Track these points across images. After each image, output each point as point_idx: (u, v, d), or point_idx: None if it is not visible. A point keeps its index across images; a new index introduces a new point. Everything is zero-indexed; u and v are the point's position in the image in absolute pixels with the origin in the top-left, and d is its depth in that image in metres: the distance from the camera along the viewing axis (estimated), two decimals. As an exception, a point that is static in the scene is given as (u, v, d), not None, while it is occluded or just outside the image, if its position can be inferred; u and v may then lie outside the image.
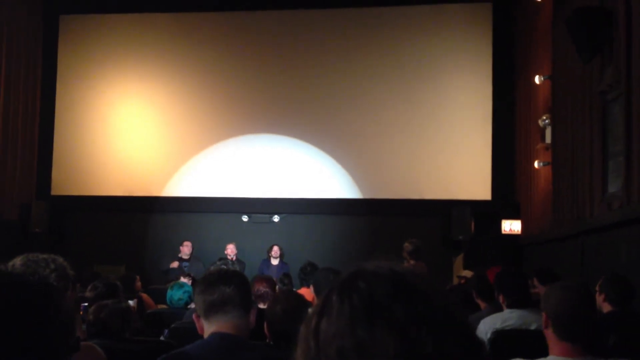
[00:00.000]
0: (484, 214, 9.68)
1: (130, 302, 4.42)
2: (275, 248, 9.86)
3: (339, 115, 10.56)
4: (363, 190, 10.46)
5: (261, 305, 4.02)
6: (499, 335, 3.70)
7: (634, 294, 4.06)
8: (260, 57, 10.79)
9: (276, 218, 10.64)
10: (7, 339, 1.05)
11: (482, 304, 4.72)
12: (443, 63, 10.42)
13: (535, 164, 8.57)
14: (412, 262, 7.21)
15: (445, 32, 10.47)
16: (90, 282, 4.78)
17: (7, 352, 1.04)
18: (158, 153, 10.90)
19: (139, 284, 6.85)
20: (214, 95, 10.86)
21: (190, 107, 10.89)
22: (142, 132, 10.97)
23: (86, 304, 4.10)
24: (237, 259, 9.50)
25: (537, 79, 8.40)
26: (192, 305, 4.02)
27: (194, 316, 2.39)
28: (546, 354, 2.45)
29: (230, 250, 9.73)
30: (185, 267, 9.60)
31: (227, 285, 2.30)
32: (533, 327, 3.83)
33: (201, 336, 2.33)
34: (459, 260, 9.80)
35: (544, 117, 8.24)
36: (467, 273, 7.71)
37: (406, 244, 7.43)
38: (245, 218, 10.67)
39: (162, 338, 4.07)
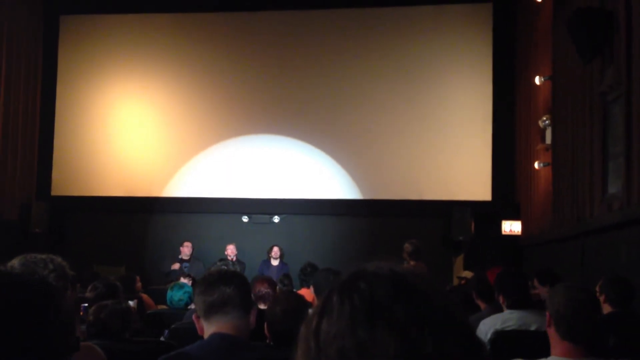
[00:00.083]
0: (484, 215, 9.68)
1: (130, 303, 4.42)
2: (275, 249, 9.86)
3: (339, 115, 10.56)
4: (363, 191, 10.46)
5: (262, 306, 4.01)
6: (499, 335, 3.70)
7: (634, 294, 4.06)
8: (260, 58, 10.79)
9: (276, 219, 10.64)
10: (7, 338, 1.05)
11: (482, 305, 4.72)
12: (443, 64, 10.42)
13: (536, 165, 8.58)
14: (412, 262, 7.21)
15: (446, 33, 10.48)
16: (90, 282, 4.78)
17: (8, 352, 1.04)
18: (158, 153, 10.90)
19: (139, 284, 6.85)
20: (214, 95, 10.86)
21: (190, 108, 10.89)
22: (142, 133, 10.97)
23: (86, 304, 4.10)
24: (237, 260, 9.50)
25: (537, 80, 8.40)
26: (193, 306, 4.02)
27: (193, 317, 2.39)
28: (546, 355, 2.45)
29: (231, 250, 9.73)
30: (185, 267, 9.60)
31: (227, 285, 2.30)
32: (533, 328, 3.82)
33: (201, 337, 2.33)
34: (459, 260, 9.80)
35: (544, 118, 8.25)
36: (467, 274, 7.71)
37: (406, 245, 7.43)
38: (245, 219, 10.67)
39: (162, 339, 4.07)
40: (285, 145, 10.60)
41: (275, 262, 9.80)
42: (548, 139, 8.21)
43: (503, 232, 9.49)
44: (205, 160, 10.78)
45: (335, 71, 10.63)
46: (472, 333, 0.85)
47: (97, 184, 10.90)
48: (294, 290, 6.06)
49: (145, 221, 10.72)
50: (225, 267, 4.79)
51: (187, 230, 10.49)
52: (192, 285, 5.76)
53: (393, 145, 10.38)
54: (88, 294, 4.48)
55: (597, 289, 4.03)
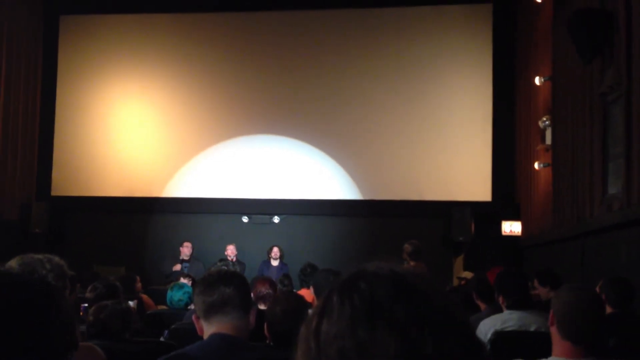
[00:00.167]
0: (484, 215, 9.68)
1: (130, 303, 4.41)
2: (275, 249, 9.85)
3: (339, 116, 10.56)
4: (363, 191, 10.46)
5: (262, 307, 4.02)
6: (499, 336, 3.70)
7: (634, 295, 4.06)
8: (260, 58, 10.79)
9: (276, 219, 10.64)
10: (7, 338, 1.05)
11: (482, 305, 4.72)
12: (443, 64, 10.42)
13: (536, 165, 8.58)
14: (412, 263, 7.21)
15: (446, 33, 10.48)
16: (90, 282, 4.78)
17: (8, 351, 1.04)
18: (158, 154, 10.90)
19: (139, 284, 6.85)
20: (214, 95, 10.86)
21: (190, 108, 10.89)
22: (142, 133, 10.97)
23: (86, 304, 4.10)
24: (237, 260, 9.50)
25: (537, 80, 8.41)
26: (192, 306, 4.02)
27: (193, 317, 2.39)
28: (546, 355, 2.45)
29: (231, 251, 9.73)
30: (185, 268, 9.60)
31: (226, 286, 2.30)
32: (533, 329, 3.82)
33: (201, 337, 2.33)
34: (459, 261, 9.80)
35: (544, 119, 8.25)
36: (467, 274, 7.72)
37: (406, 245, 7.43)
38: (245, 219, 10.67)
39: (162, 339, 4.07)
40: (285, 146, 10.60)
41: (275, 263, 9.80)
42: (548, 140, 8.21)
43: (503, 233, 9.49)
44: (205, 161, 10.78)
45: (335, 71, 10.63)
46: (472, 333, 0.85)
47: (97, 184, 10.90)
48: (294, 290, 6.07)
49: (145, 221, 10.72)
50: (225, 268, 4.80)
51: (187, 231, 10.49)
52: (192, 285, 5.75)
53: (393, 146, 10.38)
54: (88, 295, 4.48)
55: (597, 289, 4.03)
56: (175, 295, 5.35)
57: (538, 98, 8.69)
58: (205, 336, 2.30)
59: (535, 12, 8.88)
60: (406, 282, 0.85)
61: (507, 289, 4.00)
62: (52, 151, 11.09)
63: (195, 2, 10.92)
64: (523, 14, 9.80)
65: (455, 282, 8.60)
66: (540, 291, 5.38)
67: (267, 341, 2.93)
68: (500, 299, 4.03)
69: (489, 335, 3.75)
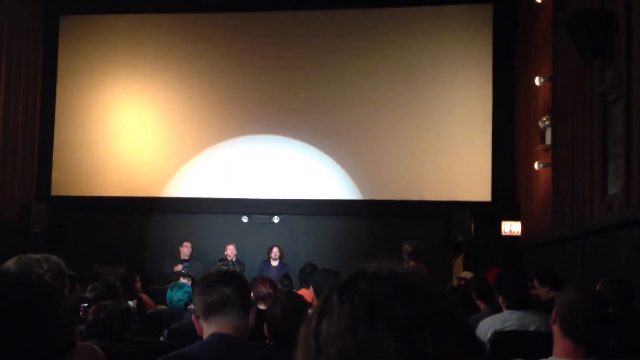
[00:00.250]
0: (484, 215, 9.68)
1: (130, 303, 4.41)
2: (275, 249, 9.85)
3: (339, 116, 10.56)
4: (363, 192, 10.46)
5: (262, 307, 4.02)
6: (499, 336, 3.70)
7: (634, 295, 4.06)
8: (260, 58, 10.79)
9: (276, 219, 10.64)
10: (6, 338, 1.05)
11: (482, 305, 4.72)
12: (443, 64, 10.42)
13: (535, 166, 8.58)
14: (411, 263, 7.21)
15: (446, 34, 10.48)
16: (90, 282, 4.78)
17: (7, 351, 1.04)
18: (158, 154, 10.90)
19: (138, 284, 6.85)
20: (214, 96, 10.86)
21: (190, 108, 10.89)
22: (142, 133, 10.97)
23: (86, 304, 4.10)
24: (237, 260, 9.51)
25: (537, 81, 8.41)
26: (192, 306, 4.02)
27: (193, 317, 2.38)
28: (546, 355, 2.46)
29: (230, 251, 9.73)
30: (184, 267, 9.60)
31: (226, 286, 2.30)
32: (532, 329, 3.82)
33: (201, 337, 2.33)
34: (458, 261, 9.80)
35: (544, 119, 8.25)
36: (467, 274, 7.71)
37: (406, 246, 7.43)
38: (245, 219, 10.67)
39: (161, 339, 4.07)
40: (285, 146, 10.60)
41: (274, 263, 9.80)
42: (548, 140, 8.21)
43: (503, 233, 9.49)
44: (205, 161, 10.78)
45: (335, 72, 10.63)
46: (472, 333, 0.85)
47: (97, 184, 10.90)
48: (294, 290, 6.07)
49: (145, 221, 10.72)
50: (225, 268, 4.80)
51: (187, 231, 10.49)
52: (192, 285, 5.75)
53: (393, 146, 10.38)
54: (88, 294, 4.48)
55: (597, 289, 4.03)
56: (175, 295, 5.35)
57: (538, 98, 8.69)
58: (205, 336, 2.30)
59: (535, 13, 8.88)
60: (406, 282, 0.85)
61: (507, 289, 4.00)
62: (52, 151, 11.09)
63: (195, 2, 10.92)
64: (523, 14, 9.80)
65: (455, 282, 8.59)
66: (540, 291, 5.37)
67: (267, 341, 2.93)
68: (500, 299, 4.03)
69: (488, 335, 3.75)
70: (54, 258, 2.30)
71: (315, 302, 1.38)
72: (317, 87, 10.66)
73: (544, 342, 2.66)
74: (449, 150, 10.26)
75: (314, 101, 10.63)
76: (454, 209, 9.71)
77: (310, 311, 0.91)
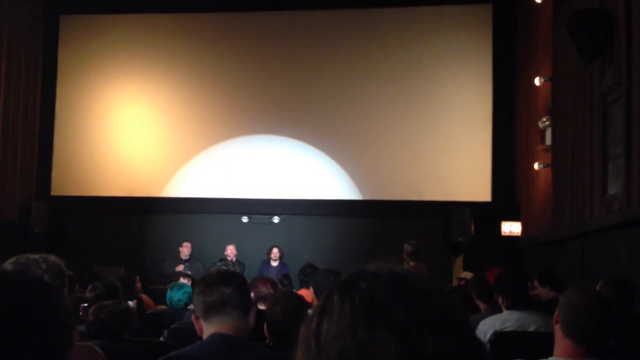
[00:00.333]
0: (484, 216, 9.68)
1: (130, 303, 4.41)
2: (275, 250, 9.84)
3: (339, 116, 10.56)
4: (363, 192, 10.46)
5: (262, 307, 4.01)
6: (498, 336, 3.70)
7: (634, 295, 4.06)
8: (260, 58, 10.79)
9: (276, 219, 10.64)
10: (7, 338, 1.05)
11: (482, 306, 4.72)
12: (443, 64, 10.42)
13: (535, 166, 8.58)
14: (411, 263, 7.21)
15: (446, 34, 10.48)
16: (90, 282, 4.78)
17: (4, 352, 1.04)
18: (158, 154, 10.90)
19: (138, 284, 6.85)
20: (214, 95, 10.86)
21: (190, 108, 10.89)
22: (142, 133, 10.97)
23: (86, 304, 4.10)
24: (236, 260, 9.50)
25: (537, 81, 8.41)
26: (192, 306, 4.02)
27: (192, 317, 2.38)
28: (546, 356, 2.46)
29: (230, 251, 9.73)
30: (185, 267, 9.59)
31: (226, 286, 2.30)
32: (532, 329, 3.82)
33: (201, 337, 2.33)
34: (458, 261, 9.80)
35: (544, 119, 8.25)
36: (467, 274, 7.71)
37: (406, 246, 7.43)
38: (245, 219, 10.66)
39: (161, 339, 4.07)
40: (285, 146, 10.59)
41: (274, 263, 9.80)
42: (548, 140, 8.21)
43: (503, 233, 9.49)
44: (205, 161, 10.78)
45: (335, 72, 10.63)
46: (472, 333, 0.85)
47: (97, 184, 10.90)
48: (294, 290, 6.07)
49: (145, 221, 10.72)
50: (225, 268, 4.79)
51: (186, 231, 10.49)
52: (192, 285, 5.75)
53: (393, 146, 10.38)
54: (88, 294, 4.48)
55: (598, 289, 4.03)
56: (175, 295, 5.35)
57: (538, 98, 8.69)
58: (205, 336, 2.30)
59: (535, 13, 8.88)
60: (406, 282, 0.85)
61: (507, 289, 4.00)
62: (52, 151, 11.09)
63: (195, 2, 10.92)
64: (523, 14, 9.79)
65: (455, 282, 8.59)
66: (541, 291, 5.37)
67: (267, 341, 2.93)
68: (500, 299, 4.03)
69: (488, 336, 3.75)
70: (52, 258, 2.29)
71: (315, 303, 1.38)
72: (317, 87, 10.66)
73: (544, 343, 2.66)
74: (449, 150, 10.26)
75: (314, 101, 10.63)
76: (454, 209, 9.71)
77: (310, 311, 0.91)
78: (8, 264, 2.21)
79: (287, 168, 10.57)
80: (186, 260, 9.86)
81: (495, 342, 3.64)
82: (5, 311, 1.06)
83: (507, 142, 10.13)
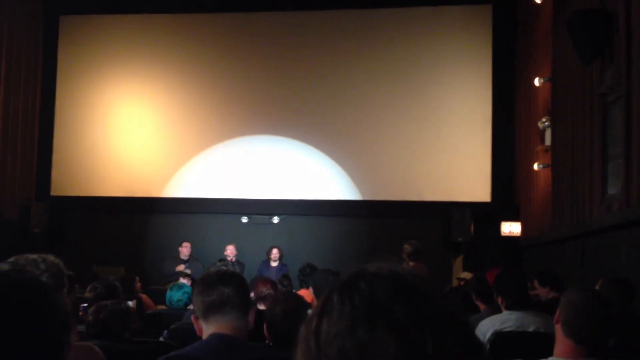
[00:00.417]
0: (483, 216, 9.68)
1: (130, 303, 4.41)
2: (275, 251, 9.82)
3: (338, 116, 10.56)
4: (363, 192, 10.46)
5: (262, 307, 4.02)
6: (498, 336, 3.70)
7: (634, 295, 4.06)
8: (260, 58, 10.79)
9: (276, 219, 10.63)
10: (7, 338, 1.05)
11: (482, 306, 4.72)
12: (443, 65, 10.42)
13: (535, 166, 8.58)
14: (411, 263, 7.21)
15: (446, 34, 10.48)
16: (89, 282, 4.78)
17: (8, 352, 1.04)
18: (158, 154, 10.90)
19: (138, 284, 6.86)
20: (214, 96, 10.86)
21: (190, 108, 10.89)
22: (142, 133, 10.97)
23: (85, 304, 4.10)
24: (236, 260, 9.49)
25: (537, 81, 8.40)
26: (192, 306, 4.02)
27: (192, 317, 2.38)
28: (545, 356, 2.46)
29: (230, 251, 9.72)
30: (185, 268, 9.59)
31: (225, 286, 2.30)
32: (531, 329, 3.82)
33: (200, 337, 2.33)
34: (458, 262, 9.80)
35: (544, 119, 8.25)
36: (467, 275, 7.71)
37: (406, 246, 7.42)
38: (244, 219, 10.66)
39: (161, 339, 4.07)
40: (284, 146, 10.59)
41: (274, 264, 9.79)
42: (547, 140, 8.21)
43: (502, 233, 9.49)
44: (205, 161, 10.78)
45: (335, 72, 10.63)
46: (472, 333, 0.85)
47: (96, 184, 10.90)
48: (293, 291, 6.07)
49: (144, 222, 10.72)
50: (224, 268, 4.80)
51: (186, 231, 10.49)
52: (191, 285, 5.75)
53: (393, 146, 10.38)
54: (87, 294, 4.48)
55: (597, 288, 4.03)
56: (174, 296, 5.35)
57: (538, 99, 8.69)
58: (205, 336, 2.30)
59: (535, 13, 8.88)
60: (406, 282, 0.85)
61: (506, 289, 4.00)
62: (51, 151, 11.09)
63: (195, 2, 10.92)
64: (523, 14, 9.79)
65: (455, 282, 8.59)
66: (541, 291, 5.37)
67: (267, 341, 2.93)
68: (499, 300, 4.03)
69: (487, 336, 3.75)
70: (51, 258, 2.29)
71: (315, 303, 1.38)
72: (317, 87, 10.66)
73: (543, 343, 2.66)
74: (449, 150, 10.26)
75: (314, 101, 10.63)
76: (454, 209, 9.71)
77: (310, 311, 0.91)
78: (5, 264, 2.20)
79: (287, 168, 10.57)
80: (186, 261, 9.86)
81: (494, 342, 3.64)
82: (1, 311, 1.06)
83: (506, 142, 10.13)
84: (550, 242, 7.83)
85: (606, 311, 2.48)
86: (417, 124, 10.40)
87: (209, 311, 2.28)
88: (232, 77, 10.84)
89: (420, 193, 10.25)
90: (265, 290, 4.36)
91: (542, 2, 8.28)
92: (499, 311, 4.08)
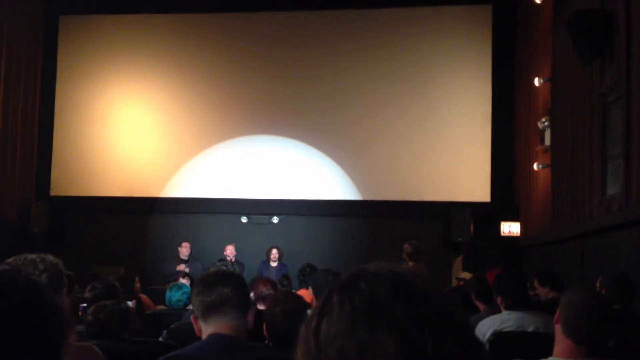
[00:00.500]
0: (483, 216, 9.67)
1: (129, 303, 4.41)
2: (274, 251, 9.81)
3: (338, 116, 10.56)
4: (362, 192, 10.46)
5: (262, 307, 4.02)
6: (498, 337, 3.70)
7: (634, 293, 4.06)
8: (260, 58, 10.79)
9: (275, 219, 10.63)
10: (7, 338, 1.05)
11: (481, 306, 4.72)
12: (443, 65, 10.42)
13: (535, 166, 8.58)
14: (411, 263, 7.20)
15: (445, 34, 10.48)
16: (89, 282, 4.77)
17: (7, 351, 1.04)
18: (157, 154, 10.90)
19: (138, 284, 6.85)
20: (214, 96, 10.86)
21: (189, 108, 10.89)
22: (142, 133, 10.97)
23: (85, 304, 4.10)
24: (236, 260, 9.49)
25: (536, 81, 8.41)
26: (191, 306, 4.02)
27: (191, 317, 2.38)
28: (545, 356, 2.46)
29: (230, 251, 9.72)
30: (185, 267, 9.59)
31: (224, 286, 2.29)
32: (531, 329, 3.82)
33: (200, 337, 2.33)
34: (458, 262, 9.80)
35: (544, 120, 8.25)
36: (466, 275, 7.71)
37: (406, 246, 7.42)
38: (244, 219, 10.66)
39: (161, 339, 4.07)
40: (284, 146, 10.59)
41: (274, 264, 9.79)
42: (547, 141, 8.21)
43: (502, 234, 9.49)
44: (205, 161, 10.78)
45: (335, 72, 10.63)
46: (471, 333, 0.85)
47: (96, 184, 10.90)
48: (293, 291, 6.07)
49: (144, 221, 10.72)
50: (224, 268, 4.79)
51: (186, 231, 10.49)
52: (191, 285, 5.75)
53: (392, 146, 10.38)
54: (87, 294, 4.48)
55: (597, 285, 4.03)
56: (174, 296, 5.35)
57: (537, 99, 8.69)
58: (204, 336, 2.30)
59: (535, 13, 8.88)
60: (406, 282, 0.85)
61: (506, 289, 3.99)
62: (51, 151, 11.09)
63: (195, 2, 10.92)
64: (523, 14, 9.79)
65: (454, 282, 8.59)
66: (541, 291, 5.37)
67: (266, 341, 2.93)
68: (499, 300, 4.03)
69: (487, 336, 3.75)
70: (50, 258, 2.28)
71: (315, 303, 1.38)
72: (317, 87, 10.66)
73: (543, 343, 2.66)
74: (449, 151, 10.26)
75: (314, 101, 10.63)
76: (454, 210, 9.71)
77: (310, 311, 0.91)
78: (2, 265, 2.20)
79: (286, 168, 10.57)
80: (186, 261, 9.86)
81: (494, 342, 3.64)
82: (5, 311, 1.06)
83: (506, 142, 10.13)
84: (550, 242, 7.83)
85: (606, 311, 2.48)
86: (417, 124, 10.40)
87: (208, 311, 2.28)
88: (232, 77, 10.84)
89: (420, 193, 10.25)
90: (265, 290, 4.36)
91: (542, 2, 8.28)
92: (498, 311, 4.08)
